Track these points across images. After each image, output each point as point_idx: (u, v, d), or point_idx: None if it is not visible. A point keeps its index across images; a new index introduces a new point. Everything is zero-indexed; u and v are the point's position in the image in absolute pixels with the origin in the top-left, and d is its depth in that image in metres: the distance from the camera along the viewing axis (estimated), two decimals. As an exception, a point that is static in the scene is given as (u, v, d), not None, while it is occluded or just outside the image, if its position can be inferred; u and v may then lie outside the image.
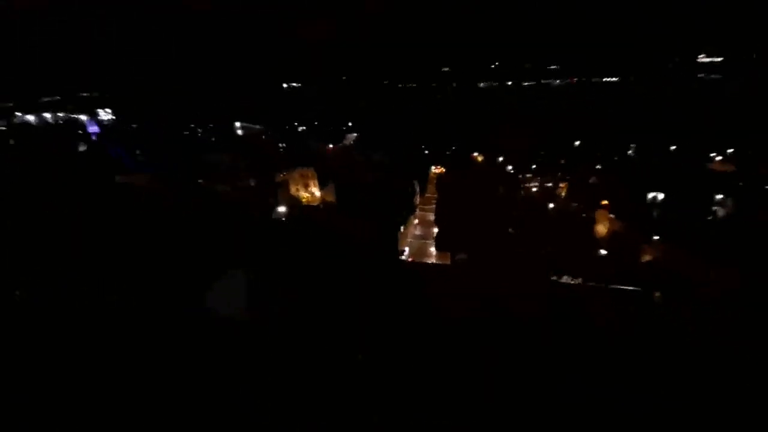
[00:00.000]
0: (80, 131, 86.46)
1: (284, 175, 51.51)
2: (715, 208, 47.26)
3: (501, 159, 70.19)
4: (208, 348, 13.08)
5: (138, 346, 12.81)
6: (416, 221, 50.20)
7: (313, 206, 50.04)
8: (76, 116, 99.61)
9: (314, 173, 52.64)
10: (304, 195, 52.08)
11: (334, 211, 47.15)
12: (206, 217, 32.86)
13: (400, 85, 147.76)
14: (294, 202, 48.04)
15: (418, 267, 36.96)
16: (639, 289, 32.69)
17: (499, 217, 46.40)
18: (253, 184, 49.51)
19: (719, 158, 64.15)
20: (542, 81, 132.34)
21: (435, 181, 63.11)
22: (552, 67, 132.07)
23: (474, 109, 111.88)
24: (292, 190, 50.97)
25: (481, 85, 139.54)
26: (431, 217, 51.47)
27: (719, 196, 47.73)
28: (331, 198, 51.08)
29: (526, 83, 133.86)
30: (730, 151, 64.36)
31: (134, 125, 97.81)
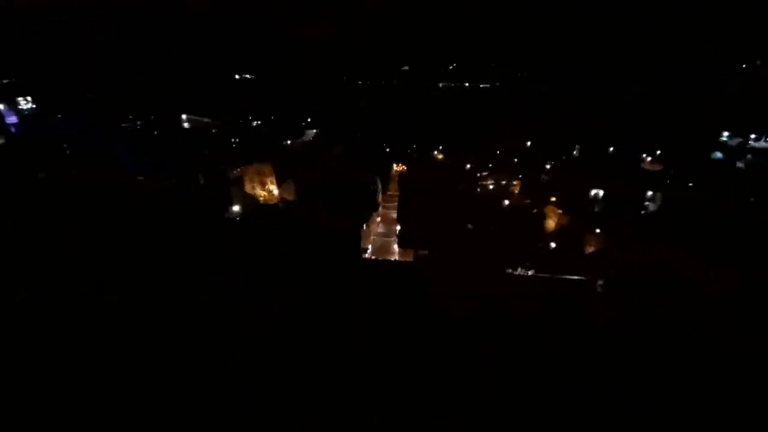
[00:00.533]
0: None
1: (239, 171, 48.71)
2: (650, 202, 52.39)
3: (460, 157, 72.55)
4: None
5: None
6: (379, 219, 50.15)
7: (270, 204, 47.96)
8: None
9: (272, 170, 50.44)
10: (260, 193, 49.68)
11: (294, 209, 45.57)
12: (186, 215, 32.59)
13: (360, 83, 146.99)
14: (250, 201, 45.70)
15: (381, 264, 36.99)
16: (583, 278, 35.35)
17: (459, 214, 47.79)
18: (203, 181, 46.25)
19: (649, 158, 71.52)
20: (498, 84, 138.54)
21: (397, 179, 63.67)
22: (518, 73, 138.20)
23: (434, 109, 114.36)
24: (248, 187, 48.41)
25: (441, 85, 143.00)
26: (394, 214, 51.80)
27: (651, 193, 53.07)
28: (290, 196, 49.28)
29: (482, 85, 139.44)
30: (659, 152, 71.86)
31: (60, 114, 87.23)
